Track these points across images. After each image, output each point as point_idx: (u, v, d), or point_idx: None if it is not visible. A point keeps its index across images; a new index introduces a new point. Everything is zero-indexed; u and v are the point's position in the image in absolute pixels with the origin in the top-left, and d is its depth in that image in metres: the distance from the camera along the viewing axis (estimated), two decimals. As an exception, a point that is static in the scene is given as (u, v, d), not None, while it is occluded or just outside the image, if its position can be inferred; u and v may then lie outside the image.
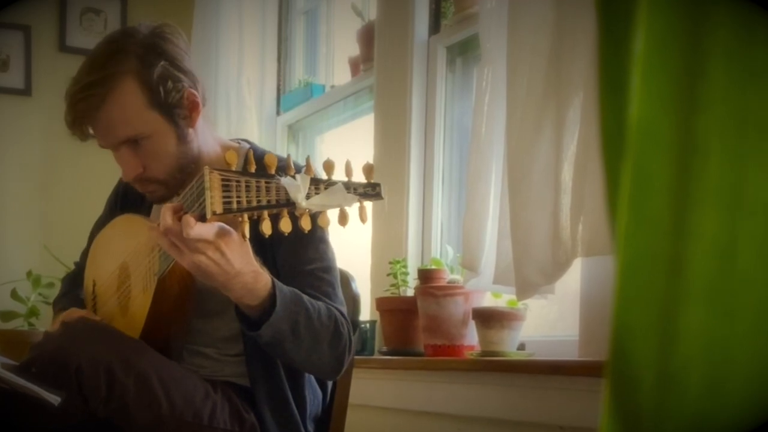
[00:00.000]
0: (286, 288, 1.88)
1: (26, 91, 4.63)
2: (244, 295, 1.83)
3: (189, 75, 2.00)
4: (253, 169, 1.69)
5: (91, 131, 2.00)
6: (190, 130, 2.01)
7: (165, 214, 1.75)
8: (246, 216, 1.68)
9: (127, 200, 2.23)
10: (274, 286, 1.85)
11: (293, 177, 1.68)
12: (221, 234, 1.74)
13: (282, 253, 1.99)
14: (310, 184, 1.68)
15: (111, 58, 1.95)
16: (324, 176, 1.69)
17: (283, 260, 1.99)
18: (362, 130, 3.81)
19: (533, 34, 2.42)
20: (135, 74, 1.94)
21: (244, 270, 1.79)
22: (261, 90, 4.32)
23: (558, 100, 2.35)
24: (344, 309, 2.00)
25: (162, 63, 1.95)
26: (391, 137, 3.38)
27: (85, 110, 1.95)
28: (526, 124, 2.41)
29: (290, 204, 1.68)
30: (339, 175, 1.70)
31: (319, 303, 1.94)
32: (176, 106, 1.97)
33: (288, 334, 1.87)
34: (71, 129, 2.00)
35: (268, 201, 1.68)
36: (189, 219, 1.70)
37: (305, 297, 1.92)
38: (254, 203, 1.68)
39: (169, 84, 1.96)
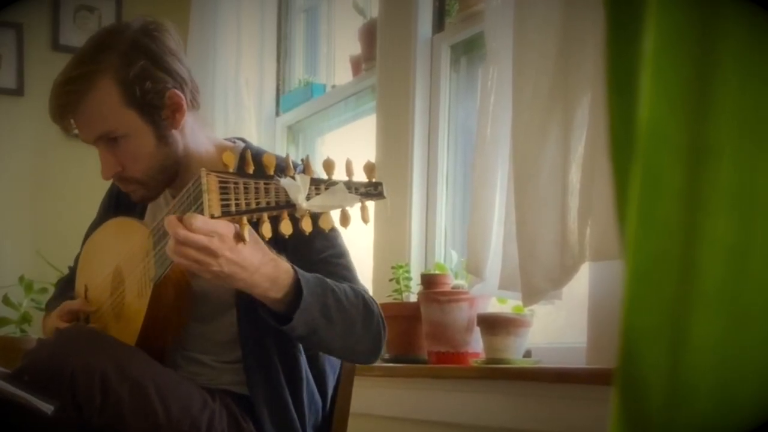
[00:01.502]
0: (307, 273, 1.87)
1: (18, 91, 4.63)
2: (269, 288, 1.82)
3: (174, 75, 2.01)
4: (250, 169, 1.69)
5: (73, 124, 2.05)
6: (173, 132, 2.02)
7: (173, 224, 1.74)
8: (245, 219, 1.68)
9: (121, 202, 2.24)
10: (296, 271, 1.85)
11: (293, 177, 1.68)
12: (231, 230, 1.74)
13: (291, 247, 1.98)
14: (311, 185, 1.68)
15: (94, 55, 2.01)
16: (324, 176, 1.70)
17: (293, 254, 1.98)
18: (364, 131, 3.81)
19: (540, 33, 2.42)
20: (113, 72, 1.98)
21: (263, 260, 1.79)
22: (260, 90, 4.32)
23: (565, 100, 2.35)
24: (367, 289, 2.00)
25: (142, 63, 1.98)
26: (393, 138, 3.38)
27: (65, 105, 2.01)
28: (533, 125, 2.41)
29: (290, 205, 1.68)
30: (339, 175, 1.71)
31: (342, 284, 1.94)
32: (155, 106, 1.99)
33: (320, 320, 1.85)
34: (54, 121, 2.06)
35: (268, 203, 1.68)
36: (190, 215, 1.71)
37: (327, 279, 1.91)
38: (253, 205, 1.68)
39: (148, 84, 1.98)
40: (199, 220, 1.71)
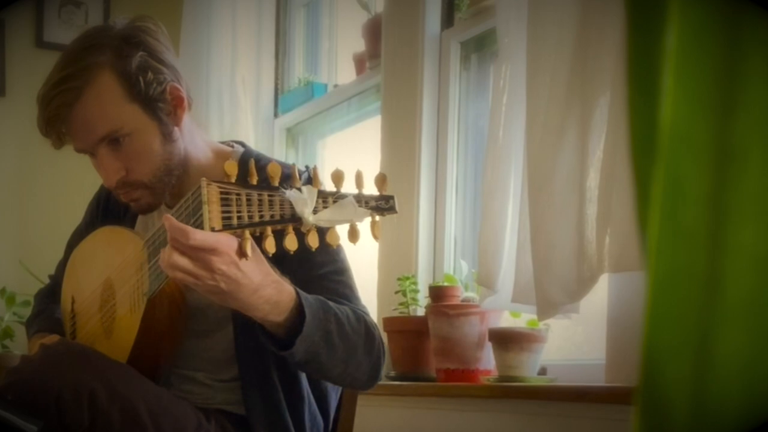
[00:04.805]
0: (309, 296, 1.87)
1: (0, 91, 4.64)
2: (270, 311, 1.80)
3: (171, 69, 2.01)
4: (254, 180, 1.69)
5: (65, 135, 2.01)
6: (176, 129, 2.01)
7: (174, 228, 1.74)
8: (248, 233, 1.67)
9: (110, 209, 2.24)
10: (298, 295, 1.84)
11: (299, 189, 1.67)
12: (233, 245, 1.72)
13: (289, 261, 1.98)
14: (318, 197, 1.67)
15: (85, 52, 1.97)
16: (332, 188, 1.69)
17: (292, 268, 1.97)
18: (368, 133, 3.81)
19: (556, 28, 2.42)
20: (111, 66, 1.96)
21: (264, 282, 1.77)
22: (257, 90, 4.32)
23: (583, 100, 2.36)
24: (368, 311, 2.00)
25: (140, 54, 1.97)
26: (399, 141, 3.38)
27: (59, 107, 1.96)
28: (548, 126, 2.41)
29: (296, 219, 1.67)
30: (348, 187, 1.70)
31: (344, 306, 1.94)
32: (158, 100, 1.98)
33: (322, 346, 1.85)
34: (45, 133, 2.01)
35: (272, 216, 1.67)
36: (187, 227, 1.70)
37: (330, 302, 1.91)
38: (256, 218, 1.67)
39: (150, 75, 1.97)
40: (199, 233, 1.70)
